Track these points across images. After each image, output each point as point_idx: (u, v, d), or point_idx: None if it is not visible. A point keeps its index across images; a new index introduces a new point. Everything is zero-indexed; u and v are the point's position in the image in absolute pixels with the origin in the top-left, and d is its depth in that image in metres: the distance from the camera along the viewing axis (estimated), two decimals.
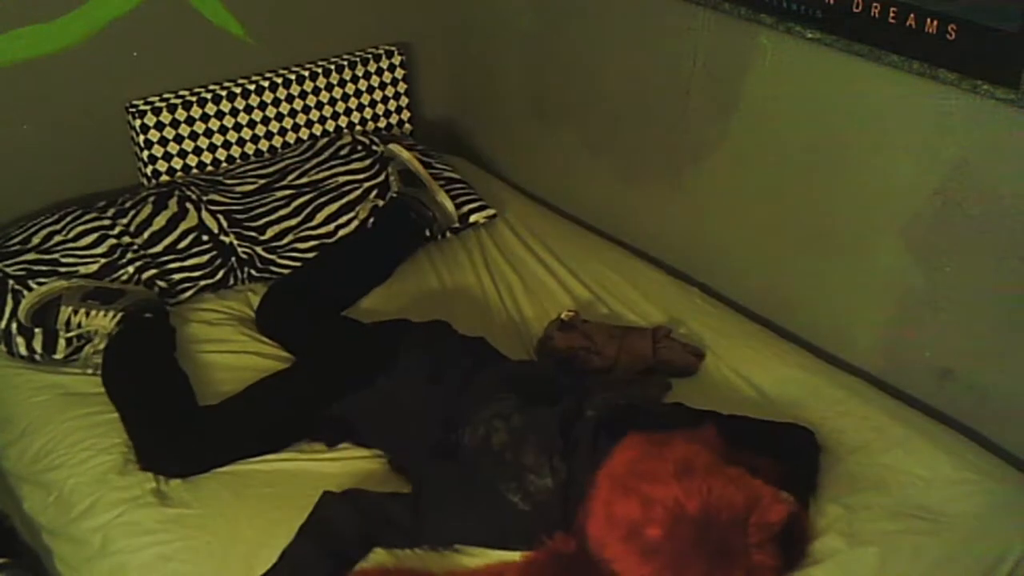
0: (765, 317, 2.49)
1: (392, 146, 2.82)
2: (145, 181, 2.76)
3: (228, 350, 2.32)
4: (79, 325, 2.27)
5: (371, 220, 2.67)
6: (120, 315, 2.25)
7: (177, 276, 2.47)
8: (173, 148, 2.74)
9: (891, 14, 2.01)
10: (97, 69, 2.65)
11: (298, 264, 2.59)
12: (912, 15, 1.98)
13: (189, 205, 2.57)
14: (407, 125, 3.14)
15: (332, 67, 2.94)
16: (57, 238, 2.46)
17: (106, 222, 2.50)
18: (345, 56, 2.99)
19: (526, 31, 2.97)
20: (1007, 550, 1.86)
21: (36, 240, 2.45)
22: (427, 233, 2.71)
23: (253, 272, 2.57)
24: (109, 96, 2.70)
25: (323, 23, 2.98)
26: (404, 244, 2.68)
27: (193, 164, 2.79)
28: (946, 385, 2.21)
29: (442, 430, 1.96)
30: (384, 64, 3.03)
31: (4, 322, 2.30)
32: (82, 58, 2.61)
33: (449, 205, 2.74)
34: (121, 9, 2.63)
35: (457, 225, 2.78)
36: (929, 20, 1.96)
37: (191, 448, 2.01)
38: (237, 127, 2.82)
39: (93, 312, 2.26)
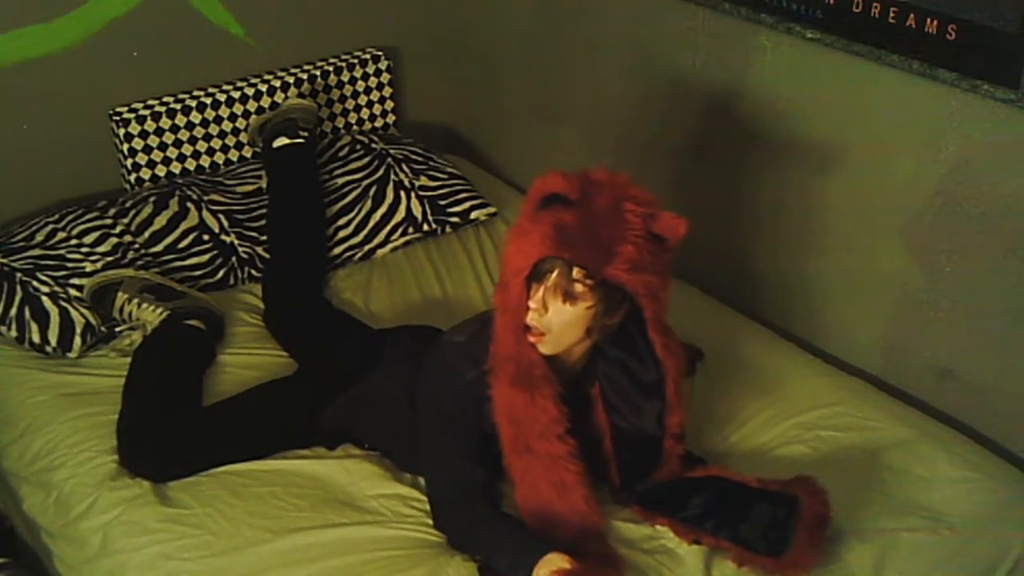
0: (765, 317, 2.49)
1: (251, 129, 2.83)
2: (133, 183, 2.75)
3: (227, 351, 2.32)
4: (130, 315, 2.31)
5: (266, 181, 2.68)
6: (166, 314, 2.27)
7: (178, 275, 2.47)
8: (172, 152, 2.74)
9: (891, 14, 2.01)
10: (95, 70, 2.65)
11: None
12: (912, 15, 1.98)
13: (190, 205, 2.57)
14: (392, 129, 3.12)
15: (318, 73, 2.93)
16: (60, 235, 2.45)
17: (107, 221, 2.50)
18: (331, 60, 2.98)
19: (527, 31, 2.97)
20: (1007, 550, 1.86)
21: (40, 237, 2.45)
22: (306, 134, 2.70)
23: (254, 272, 2.57)
24: (108, 96, 2.69)
25: (322, 25, 2.97)
26: (303, 159, 2.69)
27: (192, 168, 2.78)
28: (946, 385, 2.21)
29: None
30: (370, 69, 3.02)
31: (15, 309, 2.30)
32: (81, 58, 2.61)
33: (298, 101, 2.75)
34: (121, 9, 2.63)
35: (317, 113, 2.80)
36: (929, 20, 1.96)
37: (163, 458, 2.00)
38: (236, 131, 2.82)
39: (144, 305, 2.29)
